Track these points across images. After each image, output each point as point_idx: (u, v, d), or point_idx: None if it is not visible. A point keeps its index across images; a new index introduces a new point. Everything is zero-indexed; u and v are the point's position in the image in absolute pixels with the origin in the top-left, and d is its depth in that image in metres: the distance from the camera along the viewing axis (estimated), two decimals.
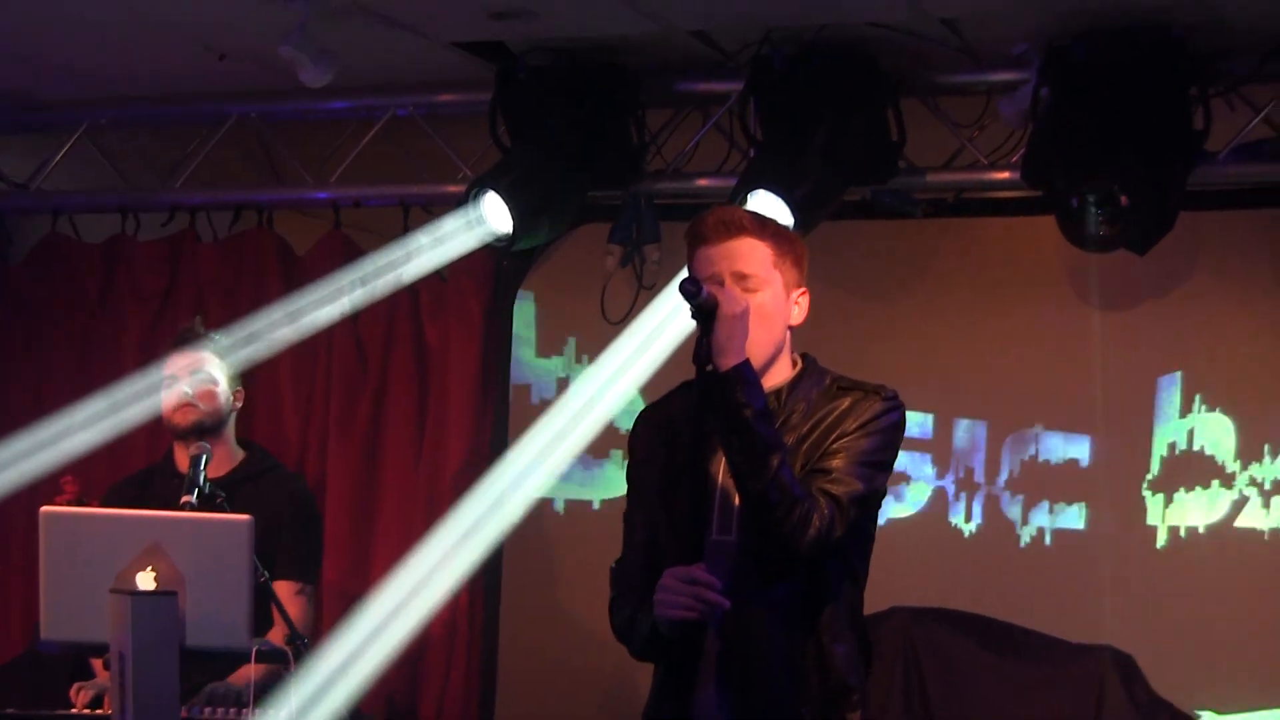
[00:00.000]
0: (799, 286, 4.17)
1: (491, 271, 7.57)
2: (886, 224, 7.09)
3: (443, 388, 7.61)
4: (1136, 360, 6.93)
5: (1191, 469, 6.83)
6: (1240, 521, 6.72)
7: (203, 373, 6.06)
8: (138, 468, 6.62)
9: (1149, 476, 6.86)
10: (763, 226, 4.15)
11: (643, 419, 4.34)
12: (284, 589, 5.67)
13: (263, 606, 5.28)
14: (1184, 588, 6.74)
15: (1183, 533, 6.79)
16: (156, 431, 6.67)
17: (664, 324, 6.60)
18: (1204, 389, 6.82)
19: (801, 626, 4.05)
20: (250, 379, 6.46)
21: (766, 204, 6.22)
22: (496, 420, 7.61)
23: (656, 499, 4.17)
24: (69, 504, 5.85)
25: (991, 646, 6.78)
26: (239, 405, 6.19)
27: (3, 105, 7.74)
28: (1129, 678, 6.60)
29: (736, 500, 4.00)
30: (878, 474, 4.09)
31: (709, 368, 3.93)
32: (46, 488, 6.76)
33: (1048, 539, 6.97)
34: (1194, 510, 6.79)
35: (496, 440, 7.56)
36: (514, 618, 7.58)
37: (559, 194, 6.84)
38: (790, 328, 4.18)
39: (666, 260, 7.04)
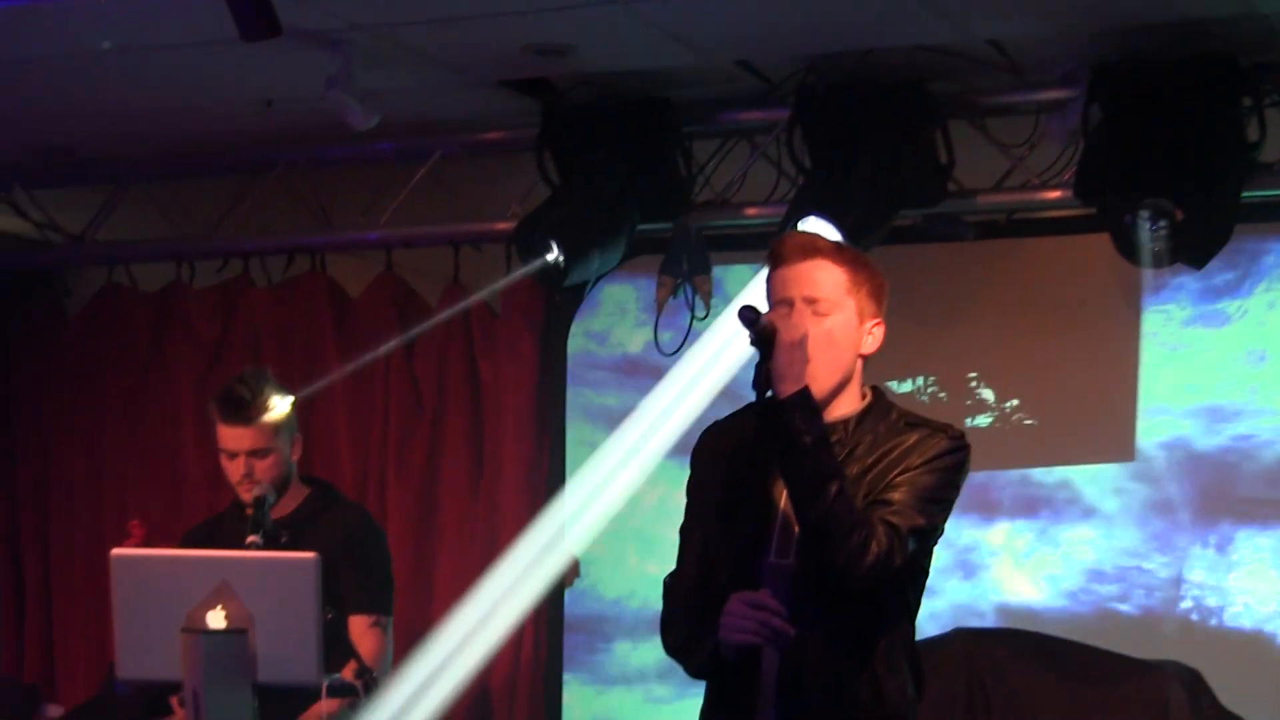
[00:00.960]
0: (875, 317, 4.12)
1: (543, 307, 7.60)
2: (938, 248, 7.07)
3: (498, 424, 7.63)
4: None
5: None
6: None
7: (260, 449, 5.78)
8: (199, 513, 6.62)
9: None
10: (840, 252, 4.12)
11: (707, 436, 4.31)
12: (359, 623, 5.63)
13: (337, 642, 5.30)
14: None
15: None
16: (217, 478, 6.64)
17: (718, 354, 6.60)
18: None
19: (856, 657, 4.02)
20: (307, 419, 6.38)
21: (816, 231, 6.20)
22: (554, 454, 7.62)
23: (714, 516, 4.15)
24: (137, 546, 5.86)
25: (1054, 667, 6.70)
26: (298, 456, 6.06)
27: (55, 159, 7.80)
28: (1195, 693, 6.53)
29: (796, 527, 3.97)
30: (938, 511, 4.05)
31: (768, 394, 3.92)
32: (109, 533, 6.79)
33: None
34: None
35: (554, 474, 7.57)
36: (578, 654, 7.59)
37: (608, 228, 6.84)
38: (862, 357, 4.13)
39: (718, 290, 7.03)
